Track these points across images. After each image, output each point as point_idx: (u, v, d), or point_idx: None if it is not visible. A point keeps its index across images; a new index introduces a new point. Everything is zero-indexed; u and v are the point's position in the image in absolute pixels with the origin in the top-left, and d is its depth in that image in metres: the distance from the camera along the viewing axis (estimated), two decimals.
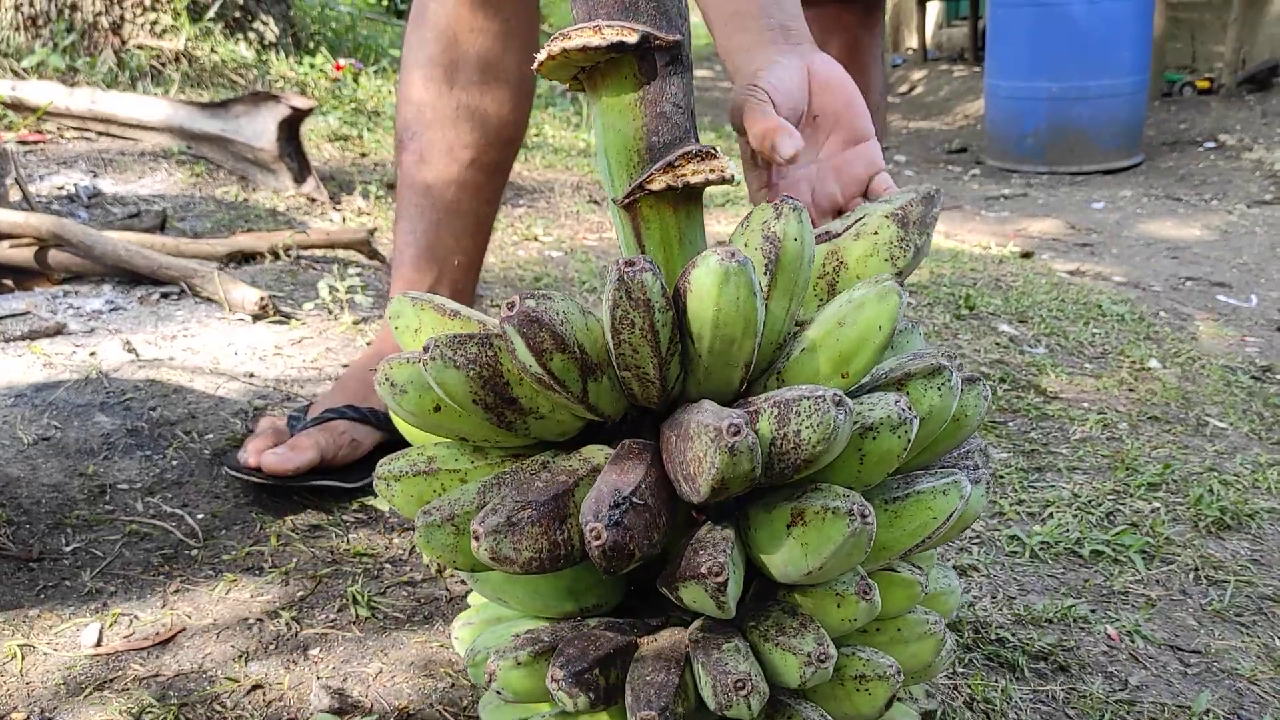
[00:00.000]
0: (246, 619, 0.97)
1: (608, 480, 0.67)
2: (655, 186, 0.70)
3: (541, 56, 0.69)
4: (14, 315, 1.52)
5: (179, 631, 0.95)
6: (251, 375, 1.45)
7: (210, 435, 1.27)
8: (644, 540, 0.66)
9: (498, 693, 0.74)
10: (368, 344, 1.55)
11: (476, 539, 0.65)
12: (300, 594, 1.02)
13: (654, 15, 0.69)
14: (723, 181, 0.71)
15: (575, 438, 0.75)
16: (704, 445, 0.64)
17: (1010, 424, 1.71)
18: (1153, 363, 2.17)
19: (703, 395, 0.71)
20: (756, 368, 0.73)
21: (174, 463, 1.21)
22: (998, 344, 2.11)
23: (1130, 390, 1.94)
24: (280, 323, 1.62)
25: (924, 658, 0.80)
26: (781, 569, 0.71)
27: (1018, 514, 1.40)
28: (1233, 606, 1.24)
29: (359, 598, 1.01)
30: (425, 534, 0.70)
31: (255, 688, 0.88)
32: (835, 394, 0.66)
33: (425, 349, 0.68)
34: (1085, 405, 1.82)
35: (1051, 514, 1.40)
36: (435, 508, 0.72)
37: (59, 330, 1.51)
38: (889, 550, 0.75)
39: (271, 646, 0.94)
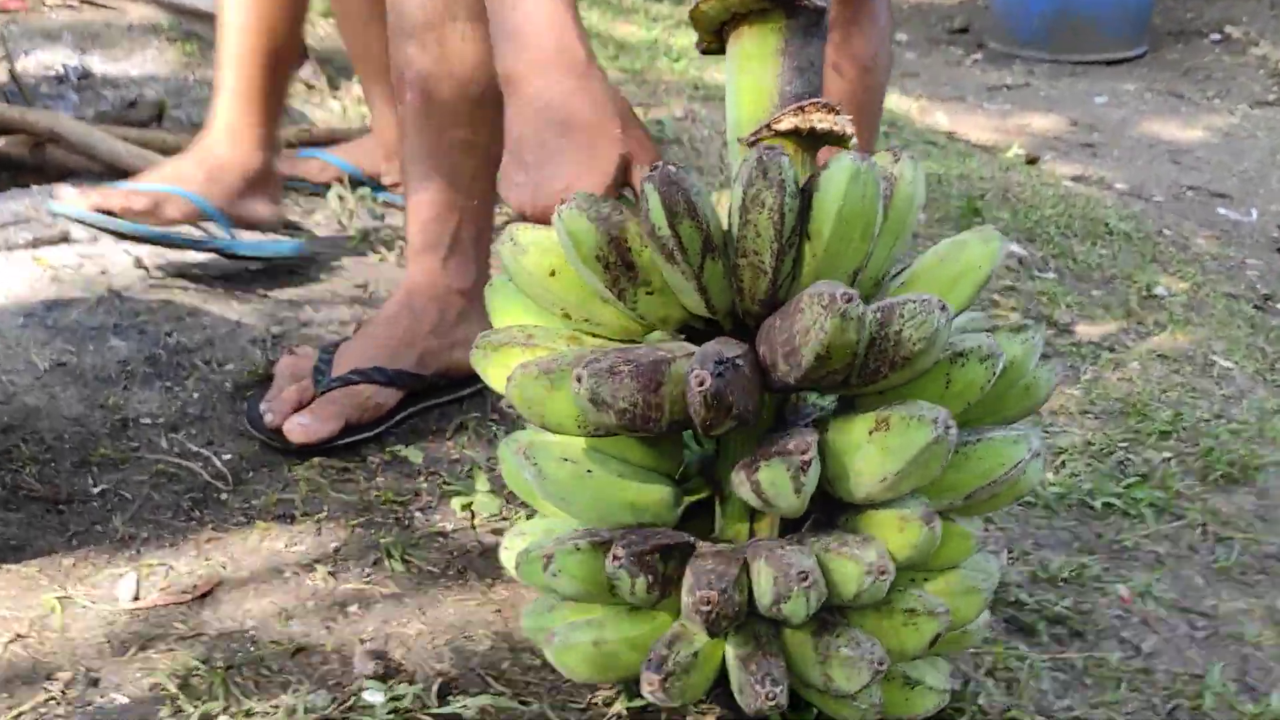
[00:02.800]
0: (282, 572, 0.97)
1: (710, 348, 0.73)
2: (782, 126, 0.77)
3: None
4: (17, 222, 1.47)
5: (216, 584, 0.95)
6: (265, 294, 1.42)
7: (230, 366, 1.25)
8: (743, 398, 0.71)
9: (553, 576, 0.77)
10: (380, 301, 1.51)
11: (579, 380, 0.71)
12: (334, 545, 1.02)
13: None
14: (844, 137, 0.76)
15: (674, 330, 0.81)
16: (815, 313, 0.69)
17: None
18: (1159, 289, 2.17)
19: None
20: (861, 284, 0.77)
21: (195, 395, 1.20)
22: (1009, 268, 2.09)
23: (1139, 323, 1.94)
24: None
25: (967, 614, 0.83)
26: (856, 481, 0.76)
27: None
28: (1238, 565, 1.26)
29: (392, 551, 1.01)
30: (519, 384, 0.76)
31: (299, 650, 0.89)
32: (940, 300, 0.72)
33: (564, 201, 0.74)
34: (1095, 341, 1.82)
35: (1064, 462, 1.41)
36: (534, 362, 0.77)
37: (64, 237, 1.47)
38: (955, 490, 0.81)
39: (310, 603, 0.94)
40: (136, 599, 0.92)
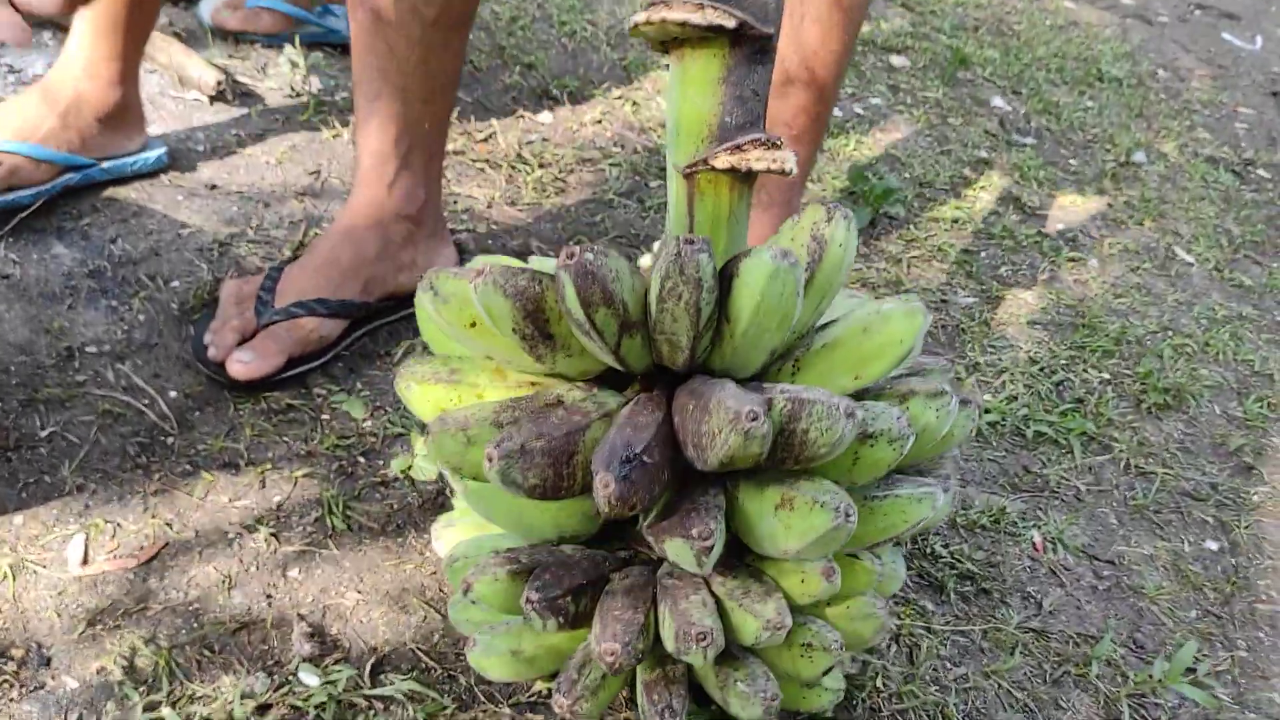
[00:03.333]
0: (227, 533, 1.02)
1: (622, 433, 0.75)
2: (718, 164, 0.75)
3: (639, 19, 0.73)
4: None
5: (162, 547, 0.99)
6: (214, 187, 1.39)
7: (176, 284, 1.24)
8: (647, 494, 0.74)
9: (472, 602, 0.83)
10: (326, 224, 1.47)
11: (490, 460, 0.73)
12: (277, 499, 1.06)
13: (754, 6, 0.73)
14: (781, 173, 0.75)
15: (593, 378, 0.83)
16: (721, 422, 0.72)
17: (982, 255, 1.71)
18: (1138, 155, 2.13)
19: (725, 369, 0.79)
20: (777, 353, 0.81)
21: (141, 318, 1.20)
22: (988, 132, 2.05)
23: (1109, 204, 1.92)
24: (239, 104, 1.53)
25: (865, 635, 0.89)
26: (759, 541, 0.80)
27: (970, 382, 1.44)
28: (1154, 503, 1.32)
29: (334, 507, 1.05)
30: (438, 439, 0.79)
31: (240, 628, 0.94)
32: (849, 405, 0.74)
33: (479, 272, 0.73)
34: (1060, 227, 1.81)
35: (1005, 383, 1.45)
36: (451, 418, 0.81)
37: None
38: (859, 541, 0.85)
39: (252, 568, 0.99)
40: (85, 563, 0.96)
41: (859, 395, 0.83)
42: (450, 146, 1.62)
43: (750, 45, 0.75)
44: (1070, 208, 1.89)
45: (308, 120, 1.55)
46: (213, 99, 1.51)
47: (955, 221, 1.76)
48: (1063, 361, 1.51)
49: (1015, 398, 1.43)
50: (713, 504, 0.78)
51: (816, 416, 0.73)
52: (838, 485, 0.78)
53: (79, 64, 1.26)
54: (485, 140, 1.67)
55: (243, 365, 1.11)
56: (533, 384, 0.83)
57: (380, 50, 1.13)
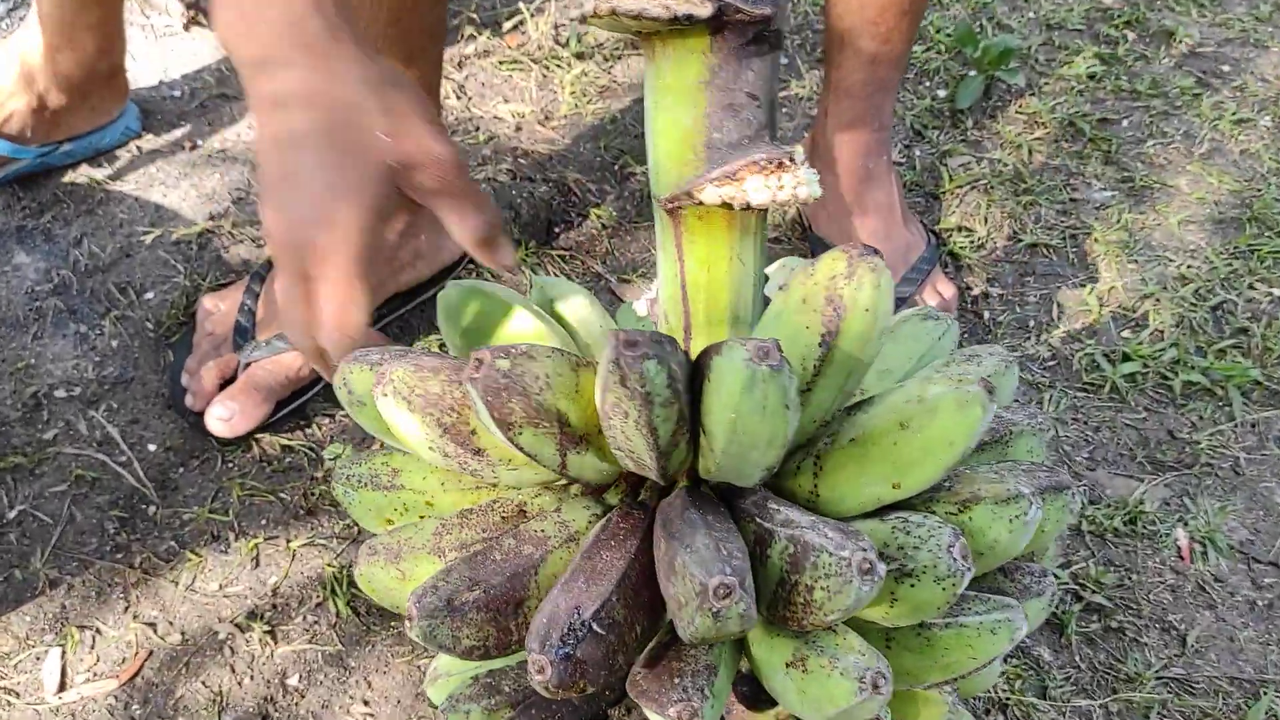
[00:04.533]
0: (217, 633, 0.89)
1: (569, 589, 0.57)
2: (705, 197, 0.55)
3: (587, 10, 0.53)
4: None
5: (145, 659, 0.87)
6: (194, 147, 1.20)
7: (150, 295, 1.07)
8: (602, 672, 0.57)
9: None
10: None
11: (410, 619, 0.57)
12: (273, 580, 0.92)
13: None
14: (796, 202, 0.56)
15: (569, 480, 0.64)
16: (687, 593, 0.54)
17: (1124, 124, 1.40)
18: None
19: (718, 475, 0.60)
20: (794, 444, 0.60)
21: (113, 344, 1.04)
22: None
23: None
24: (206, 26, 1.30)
25: None
26: (774, 693, 0.63)
27: (1106, 314, 1.19)
28: None
29: (337, 586, 0.92)
30: (365, 574, 0.64)
31: None
32: (864, 558, 0.54)
33: (379, 377, 0.58)
34: (1225, 69, 1.47)
35: (1149, 313, 1.19)
36: (382, 545, 0.67)
37: None
38: (912, 678, 0.67)
39: (246, 679, 0.87)
40: (62, 687, 0.86)
41: (900, 505, 0.63)
42: (470, 49, 1.37)
43: (739, 33, 0.53)
44: (1240, 41, 1.53)
45: None
46: (187, 24, 1.29)
47: (1091, 78, 1.44)
48: (1223, 277, 1.23)
49: (1161, 334, 1.18)
50: (702, 665, 0.59)
51: (822, 571, 0.54)
52: (866, 645, 0.59)
53: (59, 33, 1.05)
54: (515, 29, 1.41)
55: (224, 424, 0.95)
56: (493, 485, 0.65)
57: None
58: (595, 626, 0.54)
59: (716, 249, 0.58)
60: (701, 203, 0.56)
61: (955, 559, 0.57)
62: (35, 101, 1.08)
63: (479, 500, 0.66)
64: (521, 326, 0.72)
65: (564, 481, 0.64)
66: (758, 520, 0.57)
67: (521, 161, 1.25)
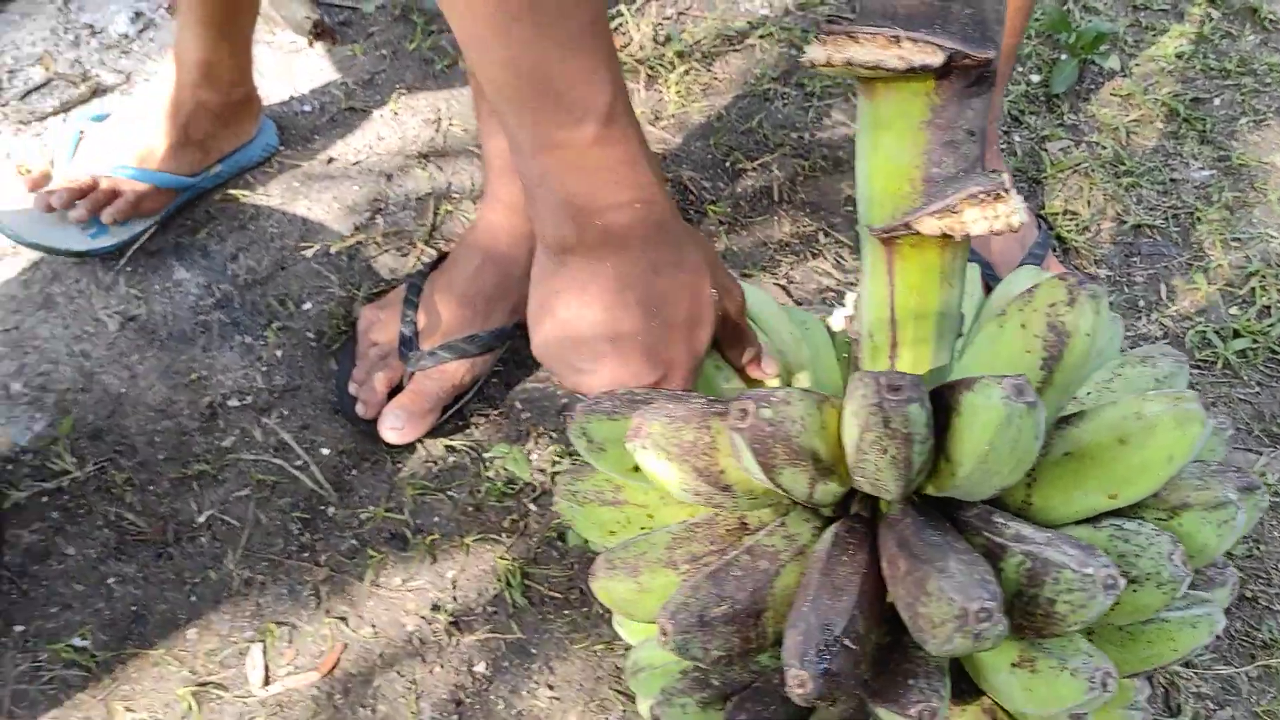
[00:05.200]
0: (404, 625, 0.95)
1: (817, 606, 0.62)
2: (925, 229, 0.60)
3: (817, 58, 0.57)
4: (37, 88, 1.28)
5: (341, 652, 0.94)
6: (330, 160, 1.25)
7: (308, 306, 1.13)
8: (850, 680, 0.62)
9: None
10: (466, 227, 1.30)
11: (664, 634, 0.63)
12: (451, 573, 0.98)
13: (967, 25, 0.55)
14: (1009, 230, 0.60)
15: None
16: (943, 613, 0.58)
17: (1216, 103, 1.43)
18: None
19: (948, 493, 0.64)
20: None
21: (278, 354, 1.10)
22: None
23: None
24: (342, 39, 1.35)
25: None
26: (992, 690, 0.69)
27: (1213, 291, 1.23)
28: None
29: (511, 578, 0.97)
30: (604, 586, 0.70)
31: None
32: (1109, 574, 0.58)
33: (636, 428, 0.63)
34: None
35: (1254, 290, 1.23)
36: (619, 558, 0.71)
37: (95, 90, 1.28)
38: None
39: (436, 668, 0.93)
40: (267, 681, 0.92)
41: (1116, 513, 0.67)
42: None
43: (963, 76, 0.57)
44: None
45: (417, 49, 1.37)
46: (311, 40, 1.34)
47: (1180, 57, 1.47)
48: None
49: (1268, 310, 1.22)
50: (932, 666, 0.65)
51: (1064, 586, 0.58)
52: (1092, 646, 0.64)
53: (197, 69, 1.11)
54: (616, 30, 1.45)
55: (396, 432, 1.01)
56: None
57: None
58: (846, 641, 0.59)
59: (929, 275, 0.62)
60: (919, 233, 0.60)
61: (1177, 566, 0.62)
62: (182, 135, 1.14)
63: (695, 513, 0.72)
64: None
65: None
66: (986, 535, 0.61)
67: None
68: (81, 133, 1.16)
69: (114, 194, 1.11)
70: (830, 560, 0.63)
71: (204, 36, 1.11)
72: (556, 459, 1.05)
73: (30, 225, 1.10)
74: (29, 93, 1.27)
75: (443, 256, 1.11)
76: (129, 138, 1.13)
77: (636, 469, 0.68)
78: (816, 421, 0.60)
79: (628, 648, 0.94)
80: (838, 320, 0.75)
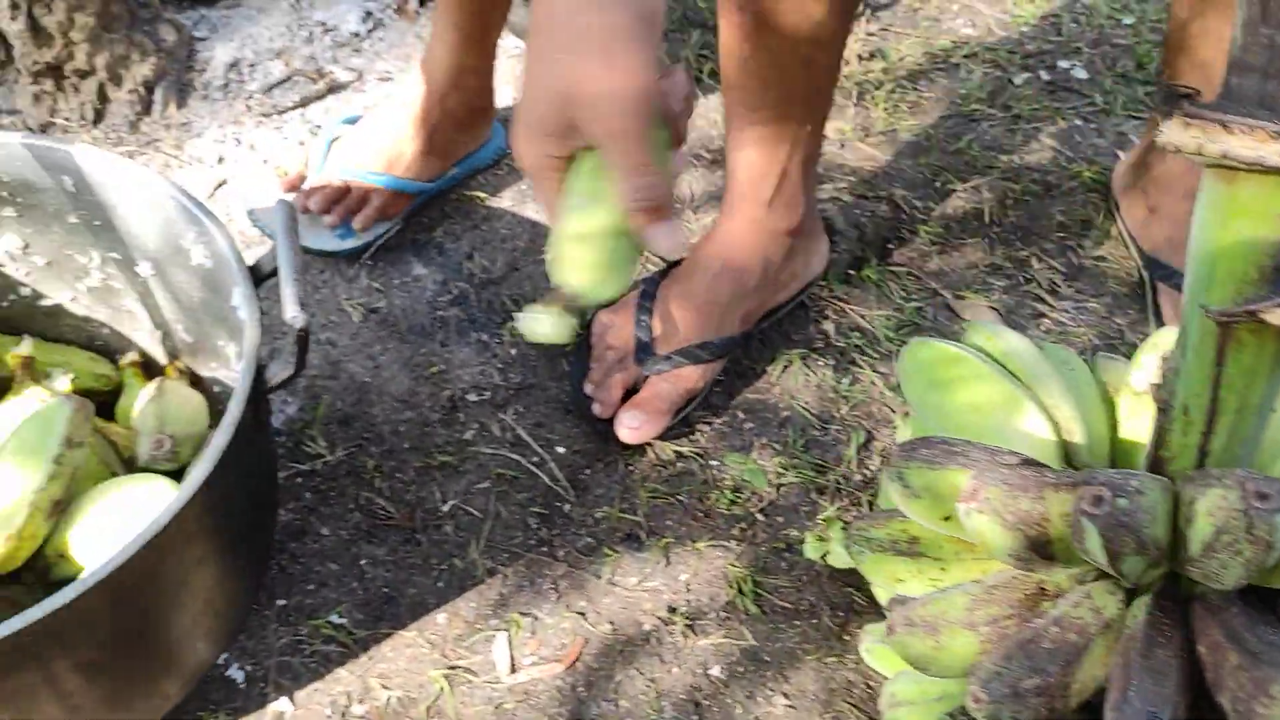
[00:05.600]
0: (641, 624, 0.99)
1: (1142, 690, 0.64)
2: (1272, 320, 0.60)
3: (1181, 143, 0.58)
4: (279, 83, 1.34)
5: (582, 646, 0.97)
6: None
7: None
8: None
9: None
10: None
11: (977, 701, 0.66)
12: (684, 577, 1.01)
13: None
14: None
15: None
16: None
17: None
18: None
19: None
20: None
21: (512, 352, 1.15)
22: None
23: None
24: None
25: None
26: None
27: None
28: None
29: (743, 587, 1.00)
30: (902, 640, 0.72)
31: None
32: None
33: (971, 492, 0.66)
34: None
35: None
36: (918, 616, 0.74)
37: (330, 87, 1.34)
38: None
39: (674, 668, 0.96)
40: (514, 670, 0.96)
41: None
42: None
43: None
44: None
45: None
46: (398, 10, 1.38)
47: None
48: None
49: None
50: None
51: None
52: None
53: (446, 77, 1.17)
54: None
55: (633, 431, 1.05)
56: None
57: (763, 57, 0.97)
58: None
59: (1262, 359, 0.63)
60: (1262, 321, 0.60)
61: None
62: (428, 143, 1.19)
63: (987, 571, 0.74)
64: (974, 371, 0.80)
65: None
66: None
67: (851, 178, 1.32)
68: (335, 138, 1.22)
69: (363, 200, 1.17)
70: (1148, 642, 0.65)
71: (457, 46, 1.16)
72: (781, 470, 1.08)
73: (309, 230, 1.17)
74: (271, 87, 1.33)
75: (671, 264, 1.14)
76: (378, 145, 1.18)
77: (947, 519, 0.70)
78: (1164, 510, 0.62)
79: (857, 662, 0.96)
80: (1140, 381, 0.77)
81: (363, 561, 1.02)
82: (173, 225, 0.88)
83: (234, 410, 0.74)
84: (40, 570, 0.82)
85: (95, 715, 0.77)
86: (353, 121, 1.24)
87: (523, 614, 0.99)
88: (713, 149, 1.35)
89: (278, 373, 0.78)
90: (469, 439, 1.09)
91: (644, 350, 1.08)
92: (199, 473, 0.71)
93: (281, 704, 0.93)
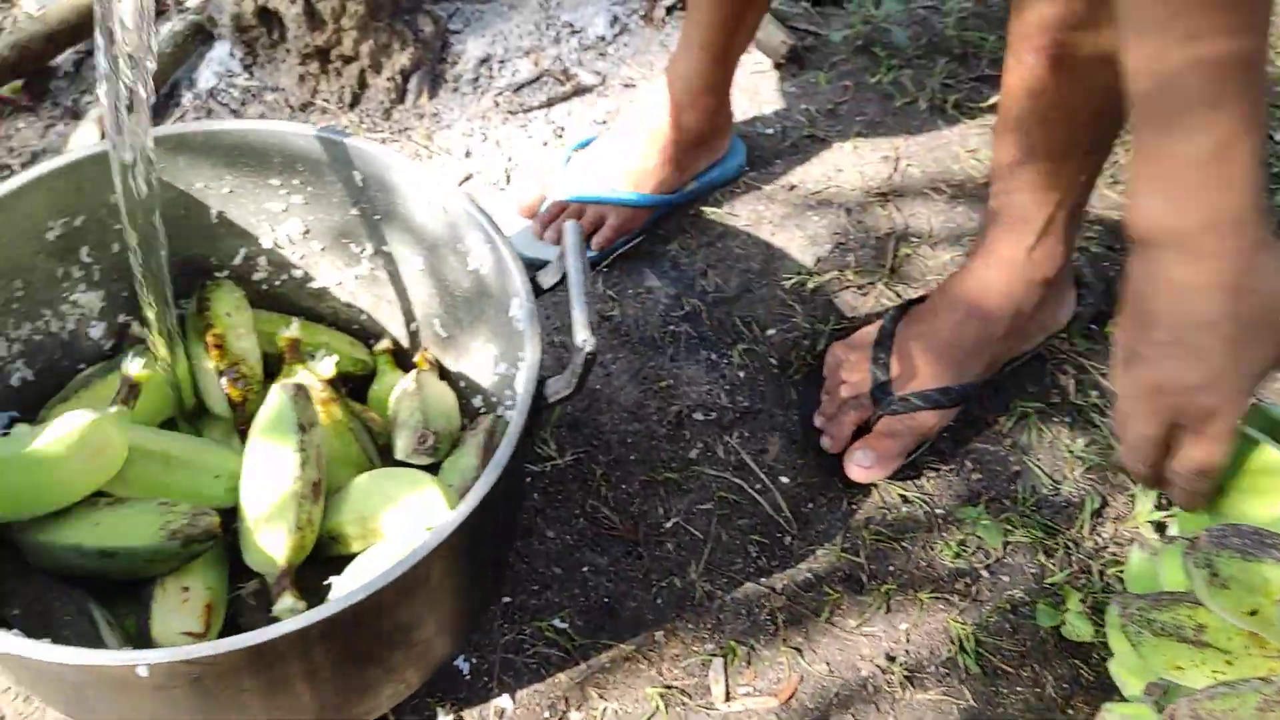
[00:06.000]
0: (859, 669, 0.98)
1: None
2: None
3: None
4: (527, 82, 1.36)
5: (799, 683, 0.97)
6: (792, 188, 1.28)
7: (772, 333, 1.17)
8: None
9: None
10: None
11: None
12: (904, 626, 1.00)
13: None
14: None
15: None
16: None
17: None
18: None
19: None
20: None
21: (740, 374, 1.15)
22: None
23: None
24: (805, 67, 1.38)
25: None
26: None
27: None
28: None
29: (965, 644, 0.98)
30: None
31: None
32: None
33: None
34: None
35: None
36: (1207, 712, 0.73)
37: (576, 90, 1.36)
38: None
39: (890, 717, 0.95)
40: (728, 697, 0.96)
41: None
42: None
43: None
44: None
45: (878, 83, 1.38)
46: (779, 65, 1.37)
47: None
48: None
49: None
50: None
51: None
52: None
53: (689, 95, 1.17)
54: None
55: (863, 470, 1.04)
56: None
57: (1054, 102, 0.94)
58: None
59: None
60: None
61: None
62: (667, 157, 1.19)
63: (1275, 670, 0.71)
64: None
65: None
66: None
67: (1099, 228, 1.27)
68: (569, 158, 1.24)
69: (600, 219, 1.18)
70: None
71: (702, 63, 1.16)
72: (1009, 527, 1.05)
73: (527, 242, 1.19)
74: (520, 86, 1.36)
75: (911, 301, 1.13)
76: (617, 161, 1.20)
77: (1253, 613, 0.68)
78: None
79: None
80: None
81: (585, 569, 1.03)
82: (455, 229, 0.90)
83: (516, 425, 0.76)
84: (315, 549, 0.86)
85: (339, 701, 0.80)
86: (585, 145, 1.26)
87: (739, 642, 0.99)
88: (953, 182, 1.32)
89: (557, 390, 0.79)
90: (693, 458, 1.10)
91: (880, 389, 1.06)
92: (480, 487, 0.73)
93: (504, 700, 0.95)
